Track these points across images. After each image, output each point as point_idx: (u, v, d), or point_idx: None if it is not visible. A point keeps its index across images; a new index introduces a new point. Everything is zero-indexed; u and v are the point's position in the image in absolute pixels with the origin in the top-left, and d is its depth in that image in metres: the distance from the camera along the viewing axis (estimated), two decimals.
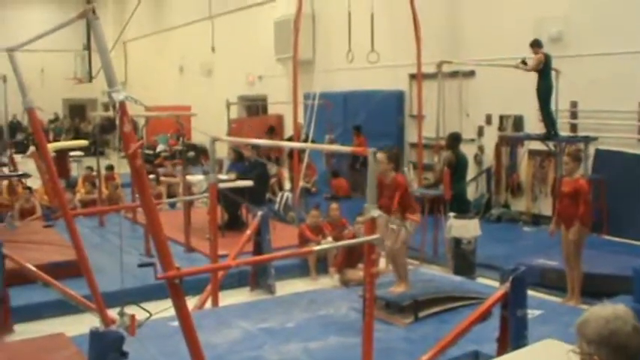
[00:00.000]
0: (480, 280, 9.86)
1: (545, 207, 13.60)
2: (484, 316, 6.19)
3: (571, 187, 8.79)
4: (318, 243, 10.39)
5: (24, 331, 8.30)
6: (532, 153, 13.92)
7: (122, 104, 4.59)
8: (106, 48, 4.96)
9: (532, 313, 6.93)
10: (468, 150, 14.14)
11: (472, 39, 15.01)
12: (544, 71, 12.51)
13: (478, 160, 14.96)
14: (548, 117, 12.70)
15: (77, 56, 33.37)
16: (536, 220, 13.51)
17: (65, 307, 8.46)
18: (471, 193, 14.43)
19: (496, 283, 7.49)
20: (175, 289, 4.75)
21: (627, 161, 12.40)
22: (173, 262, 4.72)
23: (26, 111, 7.56)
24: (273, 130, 19.63)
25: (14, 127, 31.53)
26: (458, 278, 9.66)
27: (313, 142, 14.89)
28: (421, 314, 7.94)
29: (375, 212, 5.68)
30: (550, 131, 12.75)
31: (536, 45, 12.51)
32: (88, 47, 30.91)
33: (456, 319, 7.06)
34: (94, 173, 15.88)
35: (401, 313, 7.98)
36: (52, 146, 16.79)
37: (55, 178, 7.91)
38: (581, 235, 8.71)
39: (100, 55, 4.95)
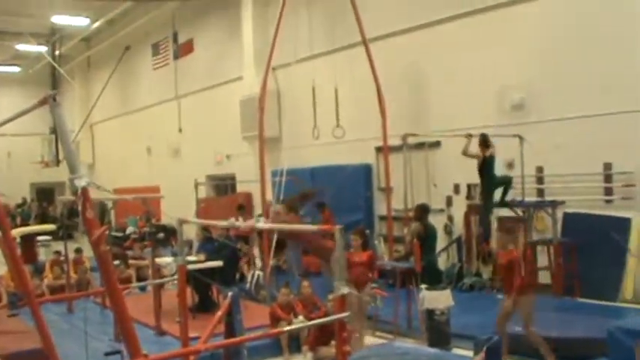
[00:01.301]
0: (456, 350, 9.76)
1: None
2: None
3: (505, 259, 8.99)
4: (290, 322, 10.30)
5: None
6: (501, 220, 13.94)
7: (84, 190, 4.56)
8: (67, 135, 4.95)
9: None
10: (437, 220, 14.20)
11: (437, 109, 15.21)
12: (483, 170, 12.76)
13: (448, 230, 15.00)
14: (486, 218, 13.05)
15: (44, 140, 33.37)
16: None
17: None
18: (443, 263, 14.46)
19: (471, 353, 7.43)
20: None
21: (595, 223, 12.53)
22: (140, 349, 4.63)
23: None
24: (243, 207, 19.57)
25: None
26: (433, 350, 9.51)
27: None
28: None
29: (345, 289, 5.64)
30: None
31: (482, 144, 12.75)
32: (54, 131, 30.87)
33: None
34: (62, 257, 15.68)
35: None
36: (18, 231, 16.65)
37: (19, 265, 7.78)
38: (523, 304, 8.75)
39: (61, 141, 4.95)
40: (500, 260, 9.22)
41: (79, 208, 4.55)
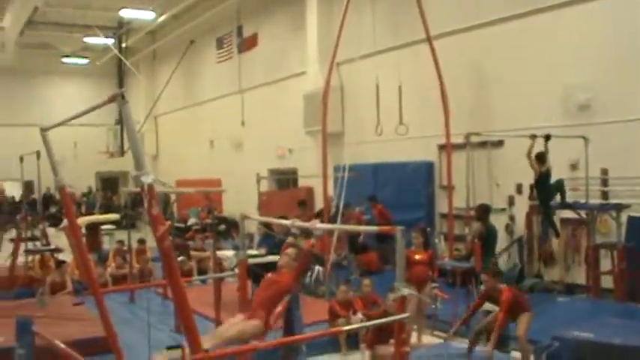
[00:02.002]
0: (514, 353, 9.67)
1: (579, 276, 13.46)
2: None
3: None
4: (348, 319, 10.33)
5: None
6: (564, 221, 13.79)
7: (150, 187, 4.62)
8: (134, 132, 5.02)
9: None
10: (499, 220, 14.11)
11: (500, 108, 15.06)
12: (539, 185, 12.64)
13: (509, 230, 14.85)
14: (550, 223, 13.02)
15: (109, 130, 33.90)
16: (570, 289, 13.34)
17: None
18: (503, 263, 14.31)
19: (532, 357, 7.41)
20: None
21: None
22: (201, 345, 4.69)
23: (58, 189, 7.65)
24: (304, 203, 19.62)
25: (47, 199, 31.86)
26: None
27: (343, 214, 14.89)
28: None
29: (405, 290, 5.63)
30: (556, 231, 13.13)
31: (538, 159, 12.77)
32: (119, 122, 31.40)
33: None
34: (125, 247, 15.94)
35: None
36: (83, 220, 16.99)
37: (84, 255, 7.96)
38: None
39: (128, 138, 5.02)
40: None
41: (145, 204, 4.63)
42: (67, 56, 36.80)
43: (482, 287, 9.25)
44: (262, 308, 6.62)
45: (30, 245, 15.27)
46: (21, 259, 15.18)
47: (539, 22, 14.38)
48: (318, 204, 19.56)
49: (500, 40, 15.19)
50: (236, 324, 6.70)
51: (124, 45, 33.14)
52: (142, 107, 32.86)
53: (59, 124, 6.73)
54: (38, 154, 13.15)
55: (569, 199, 13.12)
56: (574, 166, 13.53)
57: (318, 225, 6.90)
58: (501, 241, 14.13)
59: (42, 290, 13.25)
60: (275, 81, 24.13)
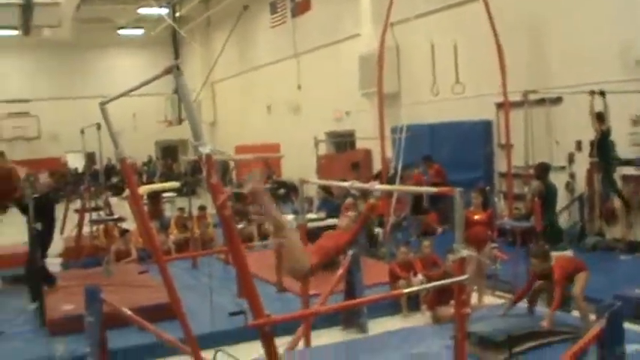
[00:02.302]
0: (576, 313, 9.61)
1: None
2: (580, 355, 6.06)
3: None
4: (409, 280, 10.38)
5: None
6: (626, 178, 13.58)
7: (208, 157, 4.67)
8: (190, 104, 5.08)
9: (631, 347, 6.75)
10: (558, 178, 13.95)
11: (558, 64, 14.80)
12: (601, 145, 12.44)
13: (570, 188, 14.66)
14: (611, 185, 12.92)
15: (167, 99, 34.22)
16: (633, 247, 13.16)
17: (160, 350, 8.64)
18: (564, 222, 14.18)
19: (593, 316, 7.36)
20: (266, 336, 4.82)
21: None
22: (263, 309, 4.77)
23: (119, 161, 7.80)
24: (358, 166, 19.61)
25: (109, 170, 32.40)
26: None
27: (402, 176, 14.89)
28: (515, 350, 7.82)
29: (465, 252, 5.64)
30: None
31: (598, 118, 12.65)
32: (177, 91, 31.60)
33: (551, 355, 6.91)
34: (186, 214, 16.15)
35: (495, 349, 7.88)
36: (144, 189, 17.19)
37: (147, 224, 8.13)
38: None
39: (185, 110, 5.08)
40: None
41: (204, 174, 4.69)
42: (122, 28, 37.16)
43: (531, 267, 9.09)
44: (316, 256, 6.65)
45: (94, 215, 15.56)
46: (86, 229, 15.49)
47: None
48: (376, 166, 19.56)
49: None
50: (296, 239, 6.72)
51: (177, 14, 33.38)
52: (198, 75, 33.09)
53: (117, 97, 6.83)
54: (98, 126, 13.31)
55: (631, 155, 12.92)
56: (635, 122, 13.27)
57: (376, 186, 6.91)
58: (562, 200, 14.00)
59: (107, 259, 13.55)
60: (329, 44, 24.05)
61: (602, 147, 12.80)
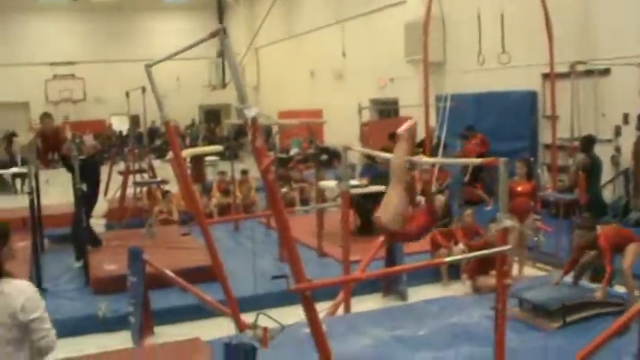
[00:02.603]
0: (617, 288, 9.51)
1: None
2: (622, 330, 6.04)
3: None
4: (450, 249, 10.38)
5: (163, 334, 8.72)
6: None
7: (254, 120, 4.69)
8: (236, 67, 5.09)
9: None
10: (604, 151, 13.79)
11: (606, 35, 14.52)
12: None
13: (615, 162, 14.46)
14: None
15: (211, 64, 34.33)
16: None
17: (201, 311, 8.79)
18: (608, 195, 14.04)
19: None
20: (307, 300, 4.86)
21: None
22: (304, 274, 4.81)
23: (163, 124, 7.89)
24: (395, 135, 19.47)
25: (153, 133, 32.67)
26: (595, 285, 9.38)
27: (445, 145, 14.83)
28: (569, 319, 7.89)
29: (508, 222, 5.61)
30: None
31: None
32: (221, 55, 31.72)
33: (602, 326, 6.87)
34: (229, 178, 16.26)
35: (549, 317, 7.96)
36: (187, 152, 17.33)
37: (189, 186, 8.25)
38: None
39: (231, 73, 5.10)
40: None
41: (249, 137, 4.71)
42: None
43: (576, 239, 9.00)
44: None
45: (138, 177, 15.71)
46: (129, 191, 15.66)
47: None
48: (420, 134, 19.46)
49: None
50: None
51: None
52: (242, 39, 33.10)
53: (162, 60, 6.89)
54: (143, 89, 13.44)
55: None
56: None
57: (424, 159, 6.91)
58: (606, 173, 13.85)
59: (150, 221, 13.70)
60: (375, 10, 23.84)
61: None
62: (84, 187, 10.91)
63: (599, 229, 8.61)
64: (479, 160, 8.59)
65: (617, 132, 14.44)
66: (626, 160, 14.21)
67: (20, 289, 4.31)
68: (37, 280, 9.93)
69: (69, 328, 8.02)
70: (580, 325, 7.84)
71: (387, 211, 6.99)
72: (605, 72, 14.40)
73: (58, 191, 17.71)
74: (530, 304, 8.16)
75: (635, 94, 12.76)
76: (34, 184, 11.36)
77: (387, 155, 7.43)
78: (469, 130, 16.42)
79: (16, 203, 16.71)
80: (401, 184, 7.02)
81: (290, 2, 30.87)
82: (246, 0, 36.17)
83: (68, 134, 11.97)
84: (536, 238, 10.89)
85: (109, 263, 10.59)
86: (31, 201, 10.93)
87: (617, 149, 14.44)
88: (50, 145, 12.47)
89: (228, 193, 16.14)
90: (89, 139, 14.38)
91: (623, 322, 6.04)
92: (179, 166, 8.21)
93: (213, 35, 5.27)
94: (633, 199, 13.83)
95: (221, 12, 35.46)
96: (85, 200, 11.20)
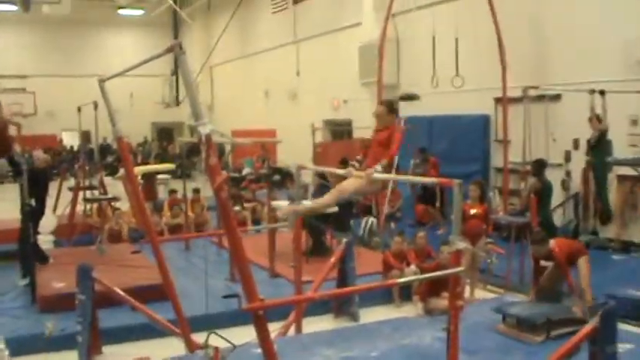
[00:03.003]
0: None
1: (637, 233, 13.27)
2: (573, 352, 6.06)
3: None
4: (402, 271, 10.38)
5: (112, 353, 8.57)
6: (621, 178, 13.56)
7: (208, 138, 4.66)
8: (192, 83, 5.07)
9: (622, 347, 6.75)
10: (554, 175, 13.95)
11: (558, 61, 14.75)
12: (596, 147, 12.47)
13: (565, 186, 14.65)
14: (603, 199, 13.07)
15: (165, 81, 34.20)
16: (627, 247, 13.14)
17: (152, 331, 8.62)
18: (558, 219, 14.19)
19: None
20: (259, 320, 4.82)
21: None
22: (257, 293, 4.77)
23: (116, 140, 7.79)
24: (346, 162, 19.55)
25: (104, 149, 32.36)
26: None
27: (398, 167, 14.85)
28: (554, 333, 7.96)
29: (461, 244, 5.61)
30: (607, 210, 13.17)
31: (595, 118, 12.72)
32: (175, 73, 31.71)
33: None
34: (180, 197, 16.14)
35: (533, 331, 8.05)
36: (139, 169, 17.21)
37: (141, 203, 8.13)
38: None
39: (186, 89, 5.07)
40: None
41: (203, 155, 4.68)
42: (122, 7, 37.05)
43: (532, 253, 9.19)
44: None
45: (88, 194, 15.52)
46: (79, 207, 15.45)
47: None
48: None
49: None
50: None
51: None
52: (196, 57, 32.95)
53: (117, 75, 6.81)
54: (95, 104, 13.28)
55: (628, 155, 12.90)
56: (634, 122, 13.24)
57: (375, 174, 6.87)
58: (557, 197, 14.01)
59: (101, 238, 13.52)
60: (330, 32, 23.95)
61: (599, 146, 12.79)
62: (32, 202, 10.72)
63: (552, 242, 8.78)
64: (434, 180, 8.62)
65: (568, 157, 14.64)
66: (576, 184, 14.39)
67: None
68: None
69: (13, 347, 7.81)
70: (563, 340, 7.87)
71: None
72: (556, 97, 14.61)
73: (3, 207, 17.41)
74: (514, 319, 8.26)
75: (585, 119, 12.93)
76: None
77: (340, 171, 7.40)
78: (421, 153, 16.50)
79: None
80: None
81: (245, 21, 30.84)
82: (201, 17, 36.07)
83: (17, 148, 11.67)
84: (489, 261, 10.95)
85: (56, 281, 10.38)
86: None
87: (568, 173, 14.63)
88: None
89: (180, 211, 16.01)
90: (39, 154, 14.13)
91: (573, 345, 6.06)
92: (131, 183, 8.13)
93: (169, 50, 5.22)
94: (583, 222, 14.01)
95: (176, 29, 35.34)
96: (33, 215, 10.99)
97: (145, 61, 5.97)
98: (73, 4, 32.34)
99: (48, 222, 13.06)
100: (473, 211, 10.45)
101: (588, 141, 13.35)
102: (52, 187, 13.52)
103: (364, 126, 18.51)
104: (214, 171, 4.62)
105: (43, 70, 37.07)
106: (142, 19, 38.67)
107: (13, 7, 31.04)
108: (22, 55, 37.19)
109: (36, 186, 10.99)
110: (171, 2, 32.45)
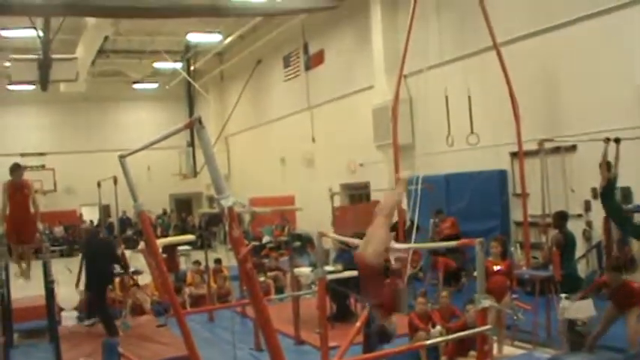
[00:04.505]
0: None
1: None
2: None
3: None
4: (428, 332, 10.29)
5: None
6: None
7: (230, 210, 4.70)
8: (213, 158, 5.13)
9: None
10: (575, 225, 13.85)
11: (571, 112, 14.79)
12: (604, 195, 12.45)
13: (587, 236, 14.57)
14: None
15: (181, 153, 34.44)
16: None
17: None
18: (582, 270, 14.07)
19: None
20: None
21: None
22: None
23: (137, 214, 7.85)
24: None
25: (124, 223, 32.48)
26: None
27: (418, 227, 14.84)
28: None
29: (487, 302, 5.60)
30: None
31: (605, 167, 12.58)
32: (191, 144, 31.95)
33: None
34: (202, 267, 16.16)
35: None
36: (160, 242, 17.25)
37: (165, 277, 8.16)
38: None
39: (207, 164, 5.12)
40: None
41: (226, 227, 4.71)
42: (137, 82, 37.53)
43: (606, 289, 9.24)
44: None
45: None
46: None
47: (610, 23, 14.04)
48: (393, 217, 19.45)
49: (570, 43, 14.90)
50: None
51: (192, 68, 33.75)
52: (212, 128, 33.29)
53: (137, 151, 6.91)
54: (115, 179, 13.43)
55: None
56: None
57: (396, 245, 6.86)
58: (579, 247, 13.92)
59: (125, 312, 13.52)
60: (343, 96, 24.16)
61: (610, 195, 12.72)
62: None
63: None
64: (454, 243, 8.60)
65: (587, 207, 14.58)
66: (598, 233, 14.31)
67: None
68: None
69: None
70: None
71: (371, 243, 6.88)
72: (572, 148, 14.60)
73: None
74: None
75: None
76: (3, 276, 11.19)
77: (357, 241, 7.40)
78: (438, 215, 16.48)
79: None
80: (386, 222, 6.99)
81: (258, 90, 31.16)
82: (214, 88, 36.52)
83: (40, 225, 11.80)
84: (515, 317, 10.84)
85: (81, 357, 10.39)
86: (1, 295, 10.75)
87: (589, 224, 14.55)
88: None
89: (203, 282, 16.01)
90: (59, 231, 14.21)
91: None
92: (155, 256, 8.15)
93: (188, 125, 5.31)
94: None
95: (191, 101, 35.71)
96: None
97: (165, 137, 6.07)
98: (88, 82, 32.93)
99: (72, 298, 13.05)
100: (496, 268, 10.40)
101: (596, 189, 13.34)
102: (74, 262, 13.56)
103: (381, 188, 18.60)
104: (238, 242, 4.66)
105: (61, 146, 37.50)
106: (156, 92, 39.10)
107: (32, 87, 31.51)
108: (41, 132, 37.65)
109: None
110: (184, 75, 32.89)
